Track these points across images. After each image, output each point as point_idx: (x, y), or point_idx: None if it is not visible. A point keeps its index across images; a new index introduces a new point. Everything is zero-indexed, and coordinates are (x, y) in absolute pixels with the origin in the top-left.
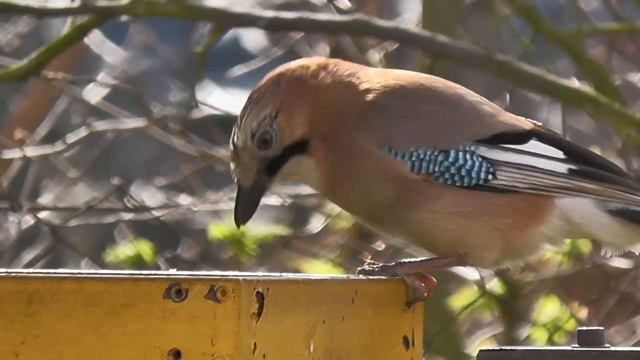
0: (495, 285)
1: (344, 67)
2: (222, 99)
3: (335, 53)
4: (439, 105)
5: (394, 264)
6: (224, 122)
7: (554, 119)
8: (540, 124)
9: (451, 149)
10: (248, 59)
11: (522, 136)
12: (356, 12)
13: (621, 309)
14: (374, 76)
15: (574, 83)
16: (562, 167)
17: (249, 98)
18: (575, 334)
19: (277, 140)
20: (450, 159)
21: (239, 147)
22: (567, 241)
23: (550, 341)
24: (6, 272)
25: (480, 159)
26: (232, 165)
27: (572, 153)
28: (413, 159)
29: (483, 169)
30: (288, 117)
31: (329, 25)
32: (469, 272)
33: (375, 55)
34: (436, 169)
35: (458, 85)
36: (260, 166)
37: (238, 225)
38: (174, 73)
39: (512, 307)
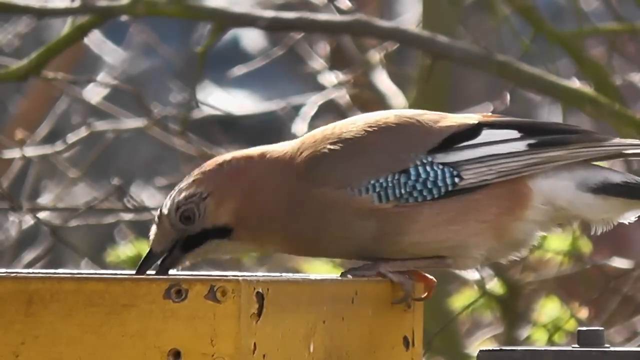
0: (495, 285)
1: (275, 151)
2: (222, 99)
3: (336, 53)
4: (379, 132)
5: (375, 262)
6: (224, 122)
7: (554, 119)
8: (488, 113)
9: (409, 167)
10: (248, 59)
11: (472, 131)
12: (356, 12)
13: (621, 309)
14: (305, 139)
15: (574, 83)
16: (521, 145)
17: (190, 174)
18: (575, 334)
19: (199, 220)
20: (412, 177)
21: (163, 214)
22: (558, 227)
23: (551, 341)
24: (6, 272)
25: (440, 167)
26: (152, 229)
27: (527, 129)
28: (377, 190)
29: (447, 175)
30: (218, 202)
31: (329, 25)
32: (469, 272)
33: (376, 55)
34: (402, 191)
35: (390, 111)
36: (178, 237)
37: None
38: (174, 73)
39: (512, 307)
